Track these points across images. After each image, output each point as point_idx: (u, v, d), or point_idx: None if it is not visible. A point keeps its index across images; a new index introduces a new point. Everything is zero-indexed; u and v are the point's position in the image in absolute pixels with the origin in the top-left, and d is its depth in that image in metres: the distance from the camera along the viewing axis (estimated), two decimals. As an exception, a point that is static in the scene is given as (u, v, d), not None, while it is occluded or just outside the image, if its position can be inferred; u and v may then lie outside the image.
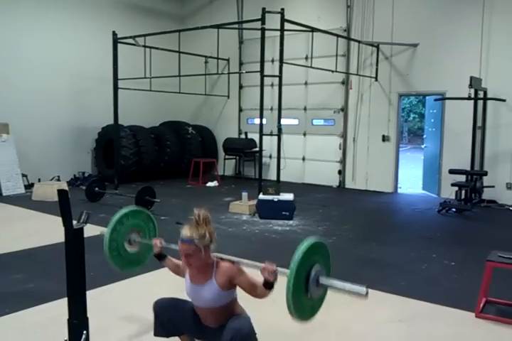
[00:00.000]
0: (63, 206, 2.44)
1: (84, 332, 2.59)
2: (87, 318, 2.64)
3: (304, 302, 2.37)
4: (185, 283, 2.82)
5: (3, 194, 9.29)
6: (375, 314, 3.87)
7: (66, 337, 2.63)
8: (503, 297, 4.05)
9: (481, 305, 3.84)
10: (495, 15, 8.86)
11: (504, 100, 8.61)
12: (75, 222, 2.58)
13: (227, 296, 2.70)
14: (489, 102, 8.92)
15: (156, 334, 2.91)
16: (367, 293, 2.27)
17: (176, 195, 9.28)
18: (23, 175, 9.84)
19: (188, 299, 2.85)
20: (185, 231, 2.58)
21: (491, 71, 8.93)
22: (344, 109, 10.93)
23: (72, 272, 2.57)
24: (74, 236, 2.52)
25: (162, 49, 10.71)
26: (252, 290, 2.59)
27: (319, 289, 2.42)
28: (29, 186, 9.76)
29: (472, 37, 9.09)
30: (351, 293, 2.31)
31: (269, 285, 2.49)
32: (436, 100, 9.40)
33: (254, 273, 2.58)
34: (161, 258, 3.05)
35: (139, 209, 3.34)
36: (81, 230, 2.54)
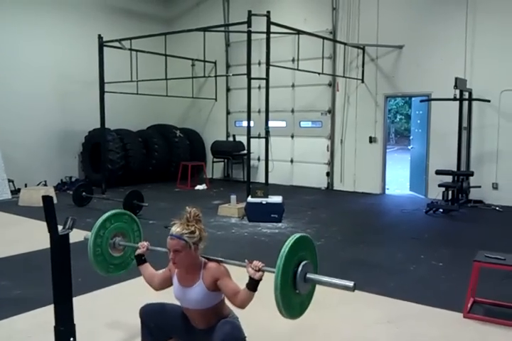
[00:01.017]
0: (48, 212, 2.42)
1: (71, 339, 2.57)
2: (73, 325, 2.61)
3: (293, 299, 2.37)
4: (174, 286, 2.82)
5: (-11, 199, 9.21)
6: (363, 315, 3.88)
7: (53, 344, 2.61)
8: (490, 297, 4.07)
9: (469, 306, 3.86)
10: (479, 15, 8.95)
11: (489, 101, 8.70)
12: (60, 228, 2.56)
13: (215, 298, 2.70)
14: (474, 103, 9.00)
15: None
16: (354, 286, 2.29)
17: (164, 199, 9.25)
18: (10, 181, 9.74)
19: (177, 302, 2.85)
20: (176, 227, 2.61)
21: (475, 72, 9.02)
22: (331, 111, 10.97)
23: (58, 278, 2.54)
24: (59, 243, 2.50)
25: (148, 52, 10.67)
26: (234, 294, 2.57)
27: (307, 285, 2.42)
28: (15, 191, 9.67)
29: (457, 38, 9.17)
30: (339, 286, 2.34)
31: (252, 284, 2.46)
32: (422, 101, 9.48)
33: (240, 278, 2.58)
34: (141, 261, 3.02)
35: (121, 211, 3.33)
36: (66, 236, 2.53)
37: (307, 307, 2.54)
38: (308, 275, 2.39)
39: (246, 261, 2.52)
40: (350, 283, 2.31)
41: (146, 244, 3.05)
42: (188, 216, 2.63)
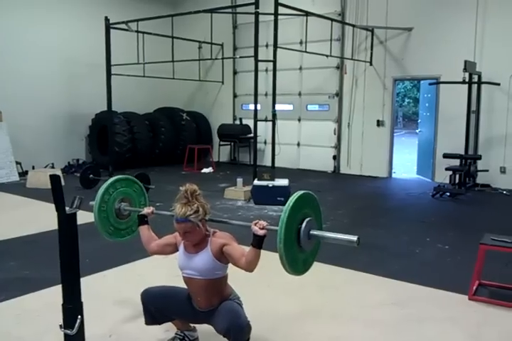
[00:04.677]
0: (56, 191, 2.43)
1: (79, 316, 2.59)
2: (81, 303, 2.64)
3: (297, 255, 2.40)
4: (179, 254, 2.82)
5: (-3, 181, 9.27)
6: (369, 297, 3.90)
7: (61, 323, 2.64)
8: (495, 279, 4.09)
9: (474, 288, 3.87)
10: (490, -2, 8.82)
11: (498, 84, 8.60)
12: (68, 208, 2.57)
13: (219, 268, 2.70)
14: (483, 86, 8.91)
15: (147, 323, 2.93)
16: (358, 240, 2.33)
17: (171, 182, 9.26)
18: (17, 163, 9.80)
19: (179, 281, 2.85)
20: (178, 210, 2.59)
21: (485, 55, 8.90)
22: (339, 94, 10.90)
23: (66, 257, 2.56)
24: (67, 222, 2.51)
25: (155, 34, 10.60)
26: (241, 256, 2.57)
27: (311, 242, 2.45)
28: (23, 174, 9.72)
29: (467, 20, 9.03)
30: (343, 241, 2.39)
31: (256, 241, 2.47)
32: (430, 84, 9.37)
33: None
34: (143, 221, 3.01)
35: (134, 179, 3.35)
36: (74, 215, 2.54)
37: (311, 265, 2.57)
38: (312, 232, 2.41)
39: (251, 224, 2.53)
40: (354, 237, 2.34)
41: (152, 207, 3.06)
42: (187, 195, 2.62)
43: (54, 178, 2.43)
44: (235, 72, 12.59)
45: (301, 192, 2.44)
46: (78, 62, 11.07)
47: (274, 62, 7.74)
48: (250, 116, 8.82)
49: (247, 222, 2.61)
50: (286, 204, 2.34)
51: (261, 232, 2.46)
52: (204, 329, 3.03)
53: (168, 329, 3.13)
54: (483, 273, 3.99)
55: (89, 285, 3.27)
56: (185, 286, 2.85)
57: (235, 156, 12.66)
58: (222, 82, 12.74)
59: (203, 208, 2.63)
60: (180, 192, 2.64)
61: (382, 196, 8.70)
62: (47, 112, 10.72)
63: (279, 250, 2.28)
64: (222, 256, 2.66)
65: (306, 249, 2.43)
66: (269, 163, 8.68)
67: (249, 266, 2.54)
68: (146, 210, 3.03)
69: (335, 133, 11.02)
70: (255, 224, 2.49)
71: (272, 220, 6.57)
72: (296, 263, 2.41)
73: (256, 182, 7.67)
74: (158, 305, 2.84)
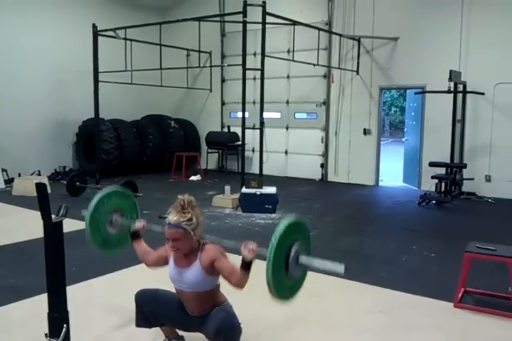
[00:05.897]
0: (42, 200, 2.42)
1: (65, 325, 2.58)
2: (67, 312, 2.62)
3: (284, 281, 2.40)
4: (169, 267, 2.82)
5: (-17, 189, 9.18)
6: (355, 305, 3.91)
7: (47, 331, 2.62)
8: (480, 287, 4.12)
9: (460, 296, 3.90)
10: (474, 8, 8.94)
11: (483, 93, 8.72)
12: (54, 216, 2.56)
13: (210, 281, 2.71)
14: (468, 96, 9.02)
15: (138, 325, 2.92)
16: (345, 270, 2.33)
17: (159, 189, 9.25)
18: (3, 170, 9.71)
19: (172, 286, 2.85)
20: (172, 216, 2.60)
21: (470, 64, 9.02)
22: (326, 103, 10.97)
23: (52, 265, 2.55)
24: (53, 230, 2.50)
25: (143, 42, 10.61)
26: (231, 274, 2.58)
27: (299, 268, 2.46)
28: (9, 181, 9.63)
29: (452, 30, 9.16)
30: (329, 270, 2.39)
31: (246, 264, 2.48)
32: (416, 93, 9.49)
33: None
34: (135, 237, 3.02)
35: (131, 194, 3.34)
36: (60, 223, 2.53)
37: (297, 292, 2.57)
38: (301, 259, 2.42)
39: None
40: (341, 269, 2.33)
41: (143, 221, 3.06)
42: (183, 203, 2.63)
43: (40, 186, 2.42)
44: (223, 80, 12.63)
45: (292, 218, 2.46)
46: (65, 69, 11.02)
47: (262, 70, 7.78)
48: (238, 123, 8.85)
49: (237, 242, 2.58)
50: (278, 230, 2.35)
51: (250, 258, 2.48)
52: (193, 338, 3.02)
53: (156, 337, 3.12)
54: (469, 280, 4.02)
55: (75, 293, 3.26)
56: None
57: (222, 164, 12.65)
58: (210, 90, 12.76)
59: (197, 218, 2.64)
60: (177, 200, 2.65)
61: (369, 204, 8.74)
62: (34, 119, 10.65)
63: (267, 275, 2.29)
64: (214, 270, 2.66)
65: (293, 275, 2.44)
66: (256, 171, 8.70)
67: (239, 285, 2.57)
68: (138, 225, 3.02)
69: (322, 142, 11.08)
70: (245, 246, 2.49)
71: (260, 228, 6.58)
72: (283, 289, 2.42)
73: (244, 189, 7.68)
74: (152, 307, 2.83)
